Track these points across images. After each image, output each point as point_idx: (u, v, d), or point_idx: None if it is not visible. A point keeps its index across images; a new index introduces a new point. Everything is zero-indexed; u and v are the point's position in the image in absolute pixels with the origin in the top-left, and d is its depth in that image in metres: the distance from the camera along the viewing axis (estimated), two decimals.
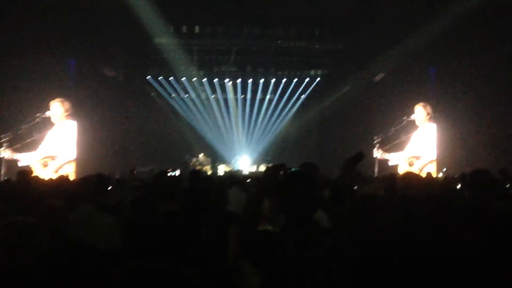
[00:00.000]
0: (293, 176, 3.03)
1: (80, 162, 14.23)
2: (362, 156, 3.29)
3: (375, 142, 14.97)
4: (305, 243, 2.75)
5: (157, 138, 23.42)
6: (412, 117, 15.04)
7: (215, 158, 23.42)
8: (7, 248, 2.70)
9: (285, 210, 2.88)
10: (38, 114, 13.23)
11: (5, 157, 12.58)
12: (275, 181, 3.01)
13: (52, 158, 13.28)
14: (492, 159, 14.27)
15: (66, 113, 13.57)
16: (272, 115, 24.64)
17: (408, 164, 14.74)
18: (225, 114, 24.52)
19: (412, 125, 15.17)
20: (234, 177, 10.88)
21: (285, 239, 2.79)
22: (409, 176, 5.61)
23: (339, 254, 2.76)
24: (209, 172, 20.15)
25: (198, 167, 20.77)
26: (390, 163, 14.88)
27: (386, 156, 14.86)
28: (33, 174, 9.29)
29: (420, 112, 15.05)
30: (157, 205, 4.40)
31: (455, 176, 10.58)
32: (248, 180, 10.84)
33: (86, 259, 2.73)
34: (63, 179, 7.86)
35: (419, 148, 15.02)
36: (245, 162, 23.42)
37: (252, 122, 24.69)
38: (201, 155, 22.38)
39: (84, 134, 15.01)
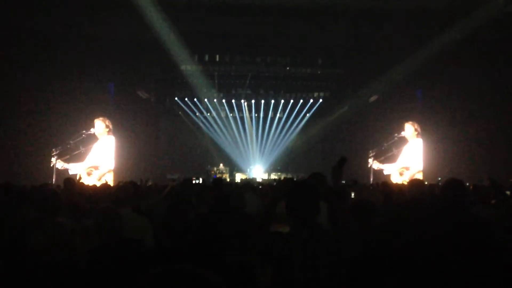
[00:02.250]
0: (298, 185, 3.08)
1: (118, 172, 14.35)
2: (345, 160, 3.32)
3: (371, 154, 14.97)
4: (309, 242, 2.80)
5: (184, 150, 23.48)
6: (402, 133, 15.05)
7: (233, 168, 23.46)
8: (48, 245, 2.72)
9: (292, 214, 2.94)
10: (83, 131, 13.44)
11: (57, 167, 12.75)
12: (286, 190, 3.06)
13: (96, 168, 13.43)
14: (467, 169, 14.21)
15: (107, 129, 13.75)
16: (281, 131, 24.61)
17: (399, 174, 14.73)
18: (241, 130, 24.53)
19: (402, 140, 15.18)
20: (249, 184, 10.91)
21: (292, 238, 2.85)
22: (417, 182, 5.61)
23: (337, 251, 2.80)
24: (228, 180, 20.17)
25: (218, 175, 20.82)
26: (384, 173, 14.86)
27: (381, 166, 14.84)
28: (79, 182, 9.39)
29: (409, 129, 15.06)
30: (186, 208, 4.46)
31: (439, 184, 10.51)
32: (260, 187, 10.86)
33: (137, 254, 2.76)
34: (105, 186, 7.96)
35: (408, 160, 15.00)
36: (258, 171, 23.41)
37: (264, 137, 24.67)
38: (220, 165, 22.44)
39: (122, 147, 15.13)
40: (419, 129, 15.14)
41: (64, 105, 15.57)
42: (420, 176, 14.75)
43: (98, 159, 13.56)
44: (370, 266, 2.99)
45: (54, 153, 12.79)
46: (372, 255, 3.03)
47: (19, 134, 14.56)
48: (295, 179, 3.91)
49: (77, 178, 11.74)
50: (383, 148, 15.14)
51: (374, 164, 14.85)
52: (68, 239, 2.79)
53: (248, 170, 23.52)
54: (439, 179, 14.15)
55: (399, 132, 15.10)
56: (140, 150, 18.45)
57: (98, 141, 13.70)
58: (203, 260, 2.69)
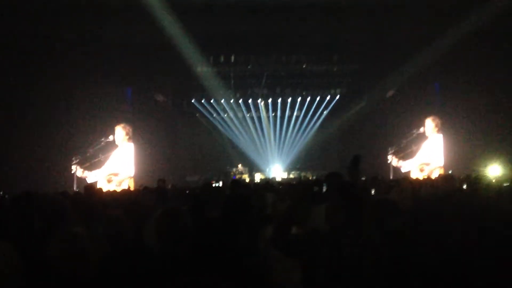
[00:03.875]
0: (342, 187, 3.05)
1: (137, 176, 14.44)
2: (358, 159, 3.25)
3: (390, 151, 14.81)
4: (340, 244, 2.76)
5: (202, 152, 23.53)
6: (421, 129, 14.87)
7: (252, 168, 23.44)
8: (66, 255, 2.71)
9: (328, 216, 2.91)
10: (102, 139, 13.53)
11: (77, 175, 12.87)
12: (308, 193, 3.03)
13: (115, 175, 13.50)
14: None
15: (127, 137, 13.84)
16: (299, 129, 24.52)
17: (419, 170, 14.53)
18: (259, 130, 24.49)
19: (421, 136, 14.98)
20: (269, 184, 10.88)
21: (321, 239, 2.82)
22: (450, 176, 5.53)
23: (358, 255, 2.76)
24: (248, 180, 20.17)
25: (237, 176, 20.85)
26: (403, 170, 14.69)
27: (400, 163, 14.68)
28: (98, 189, 9.43)
29: (430, 124, 14.87)
30: (204, 211, 4.41)
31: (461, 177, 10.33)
32: (280, 187, 10.79)
33: (144, 262, 2.72)
34: (125, 192, 7.98)
35: (428, 156, 14.81)
36: (277, 170, 23.38)
37: (282, 135, 24.62)
38: (239, 165, 22.46)
39: (141, 150, 15.21)
40: (439, 124, 14.92)
41: (82, 112, 15.70)
42: (441, 172, 14.55)
43: (117, 166, 13.65)
44: (389, 273, 2.87)
45: (74, 161, 12.90)
46: (391, 262, 2.89)
47: (39, 142, 14.72)
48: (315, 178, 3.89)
49: (97, 185, 11.80)
50: (402, 145, 14.96)
51: (393, 160, 14.69)
52: (83, 249, 2.78)
53: (267, 169, 23.51)
54: (450, 172, 13.94)
55: (418, 128, 14.91)
56: (158, 153, 18.54)
57: (118, 149, 13.78)
58: (207, 268, 2.62)
